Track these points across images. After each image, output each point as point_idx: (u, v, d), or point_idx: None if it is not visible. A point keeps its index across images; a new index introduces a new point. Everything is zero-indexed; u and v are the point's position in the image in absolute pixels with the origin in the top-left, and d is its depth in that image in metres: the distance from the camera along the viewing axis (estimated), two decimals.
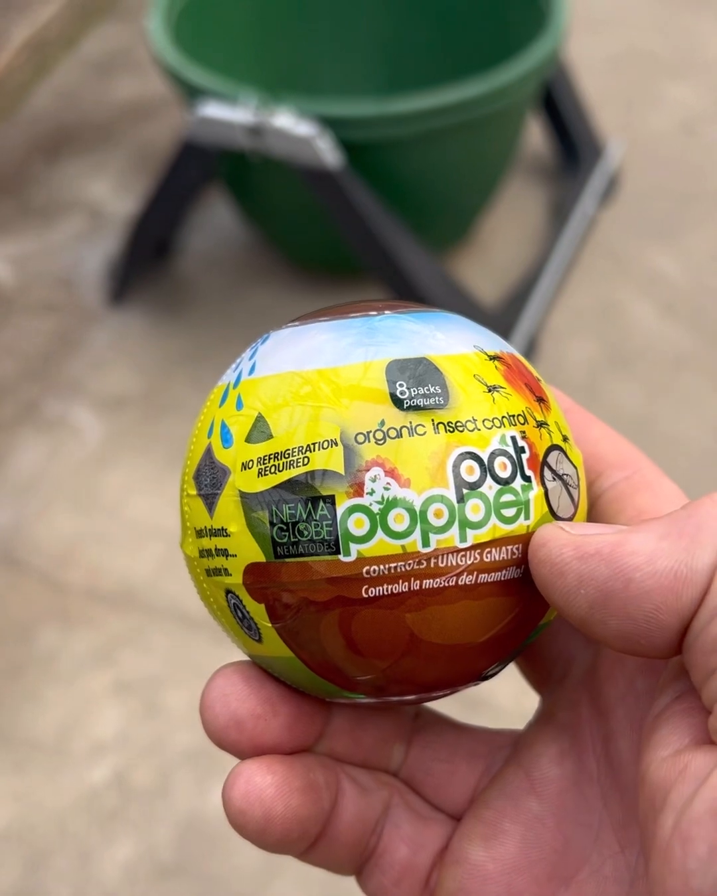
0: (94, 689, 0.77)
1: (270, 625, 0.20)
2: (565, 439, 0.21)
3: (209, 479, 0.21)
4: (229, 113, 0.87)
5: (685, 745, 0.18)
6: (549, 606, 0.21)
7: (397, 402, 0.20)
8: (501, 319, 0.97)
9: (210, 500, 0.21)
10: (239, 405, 0.21)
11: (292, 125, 0.85)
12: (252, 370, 0.21)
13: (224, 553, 0.20)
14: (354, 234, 0.91)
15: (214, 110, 0.88)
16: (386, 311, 0.21)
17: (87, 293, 1.07)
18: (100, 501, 0.89)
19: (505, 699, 0.73)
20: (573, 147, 1.13)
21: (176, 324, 1.04)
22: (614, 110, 1.24)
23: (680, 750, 0.18)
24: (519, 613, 0.20)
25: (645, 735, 0.19)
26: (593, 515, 0.23)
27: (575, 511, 0.21)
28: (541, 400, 0.21)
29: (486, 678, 0.22)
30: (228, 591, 0.21)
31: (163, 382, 0.98)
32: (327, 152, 0.86)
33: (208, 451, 0.21)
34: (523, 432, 0.20)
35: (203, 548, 0.21)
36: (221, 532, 0.20)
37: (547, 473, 0.20)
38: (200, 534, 0.21)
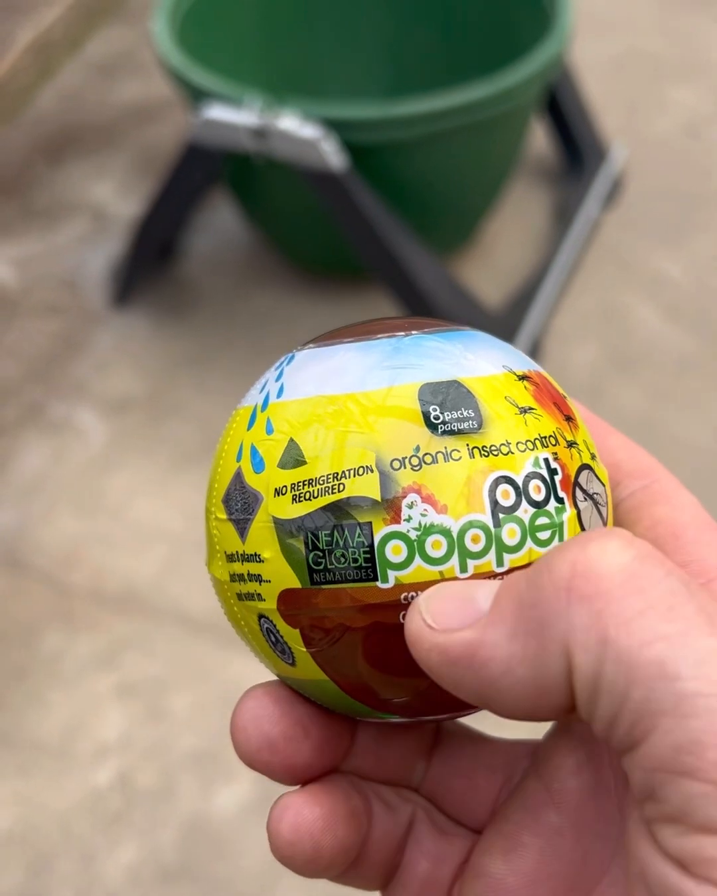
0: (97, 691, 0.77)
1: (304, 650, 0.20)
2: (593, 457, 0.21)
3: (240, 503, 0.21)
4: (234, 115, 0.87)
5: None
6: None
7: (432, 426, 0.19)
8: (505, 322, 0.97)
9: (242, 526, 0.21)
10: (269, 429, 0.21)
11: (297, 128, 0.85)
12: (281, 392, 0.21)
13: (257, 579, 0.20)
14: (358, 237, 0.91)
15: (218, 112, 0.88)
16: (413, 332, 0.21)
17: (91, 295, 1.07)
18: (104, 504, 0.89)
19: None
20: (577, 150, 1.13)
21: (180, 326, 1.04)
22: (617, 113, 1.24)
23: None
24: None
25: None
26: (612, 525, 0.23)
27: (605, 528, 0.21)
28: (569, 419, 0.21)
29: None
30: (261, 616, 0.21)
31: (167, 385, 0.98)
32: (332, 155, 0.86)
33: (238, 476, 0.21)
34: (555, 454, 0.20)
35: (234, 572, 0.21)
36: (255, 558, 0.20)
37: (579, 494, 0.21)
38: (230, 558, 0.21)
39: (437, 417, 0.20)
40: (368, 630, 0.19)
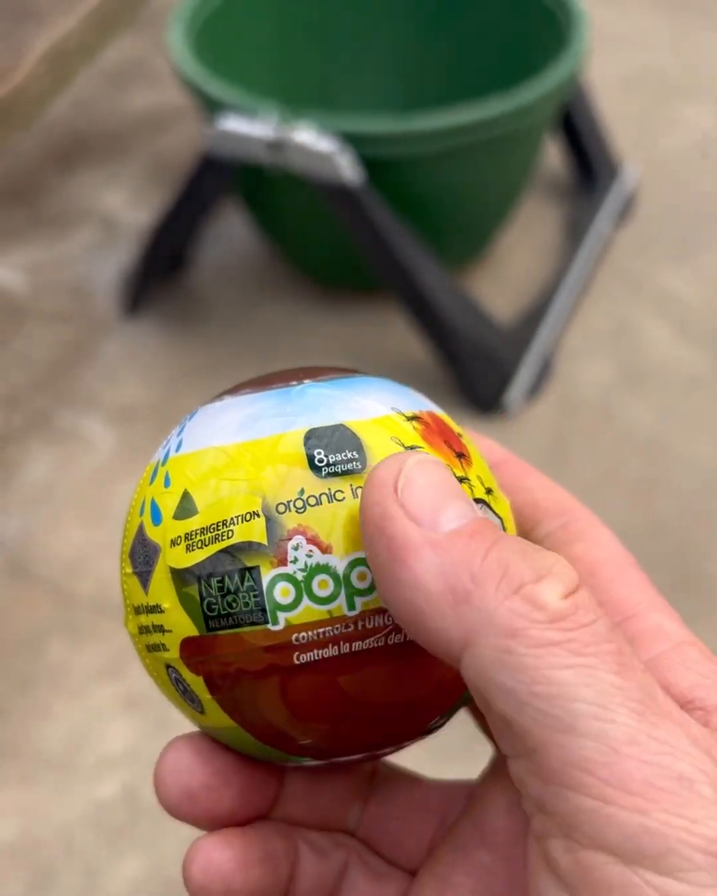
0: (103, 702, 0.77)
1: (210, 697, 0.21)
2: (488, 492, 0.22)
3: (142, 556, 0.21)
4: (250, 127, 0.87)
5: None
6: None
7: (316, 469, 0.20)
8: (515, 337, 0.97)
9: (144, 578, 0.21)
10: (167, 482, 0.21)
11: (314, 141, 0.85)
12: (179, 447, 0.22)
13: (160, 629, 0.21)
14: (371, 250, 0.91)
15: (234, 124, 0.88)
16: (306, 381, 0.22)
17: (100, 304, 1.07)
18: (110, 513, 0.89)
19: None
20: (590, 167, 1.14)
21: (189, 336, 1.04)
22: (630, 131, 1.24)
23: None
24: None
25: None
26: None
27: None
28: (461, 455, 0.22)
29: (431, 731, 0.22)
30: (167, 666, 0.21)
31: (175, 395, 0.98)
32: (348, 169, 0.86)
33: (140, 529, 0.22)
34: None
35: (141, 625, 0.22)
36: (157, 608, 0.21)
37: None
38: (137, 611, 0.22)
39: (321, 460, 0.20)
40: (265, 672, 0.20)
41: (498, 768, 0.23)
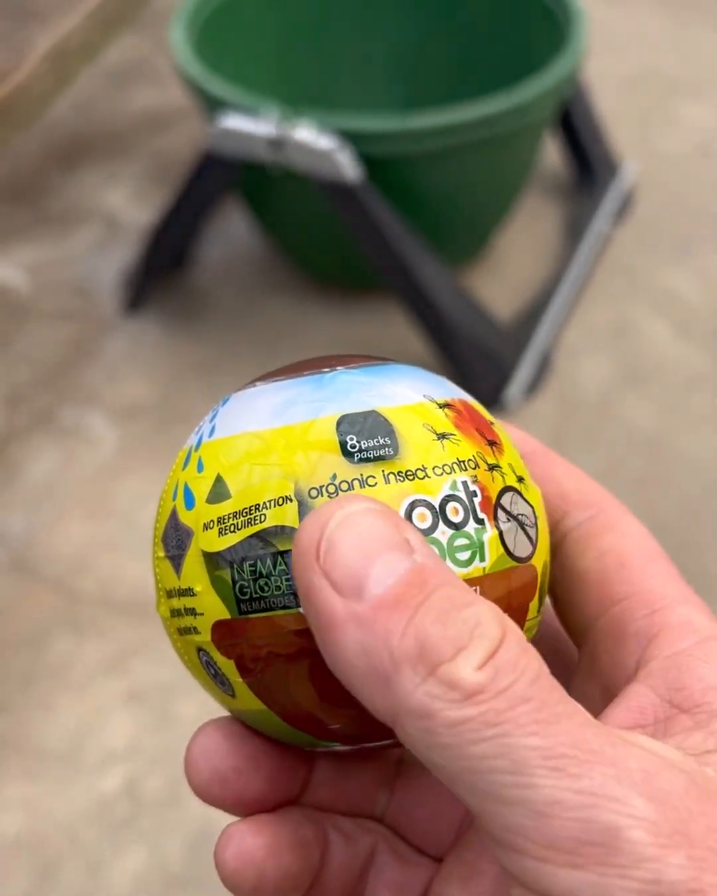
0: (106, 697, 0.77)
1: (241, 680, 0.21)
2: (520, 480, 0.22)
3: (175, 540, 0.21)
4: (251, 125, 0.88)
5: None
6: None
7: (348, 455, 0.20)
8: (515, 335, 0.97)
9: (177, 562, 0.21)
10: (200, 467, 0.21)
11: (313, 139, 0.86)
12: (212, 432, 0.22)
13: (192, 612, 0.21)
14: (371, 248, 0.91)
15: (235, 122, 0.88)
16: (338, 367, 0.22)
17: (103, 302, 1.08)
18: (113, 510, 0.89)
19: None
20: (589, 165, 1.14)
21: (190, 334, 1.04)
22: (629, 130, 1.25)
23: None
24: None
25: None
26: (560, 555, 0.24)
27: (533, 549, 0.22)
28: (493, 443, 0.22)
29: None
30: (199, 649, 0.21)
31: (177, 392, 0.99)
32: (348, 166, 0.86)
33: (173, 514, 0.22)
34: (475, 476, 0.21)
35: (173, 608, 0.22)
36: (189, 592, 0.21)
37: (501, 515, 0.21)
38: (169, 594, 0.22)
39: (353, 446, 0.20)
40: (296, 656, 0.20)
41: None
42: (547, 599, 0.23)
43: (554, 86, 0.91)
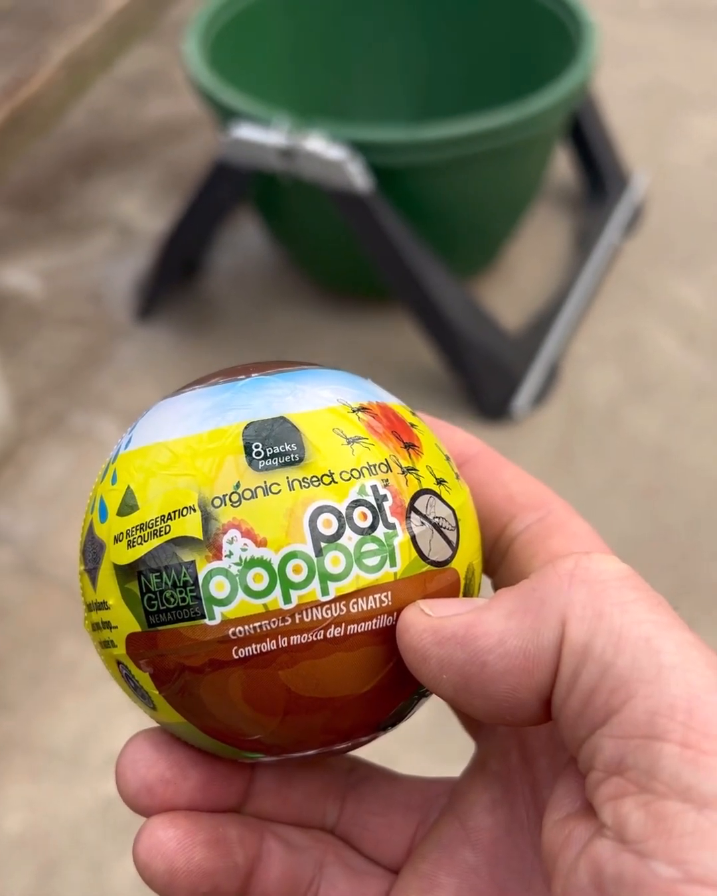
0: (112, 700, 0.78)
1: (157, 692, 0.21)
2: (440, 483, 0.21)
3: (91, 553, 0.21)
4: (262, 135, 0.89)
5: (575, 809, 0.18)
6: None
7: (253, 462, 0.20)
8: (524, 345, 0.98)
9: (93, 575, 0.21)
10: (114, 480, 0.21)
11: (324, 149, 0.87)
12: (128, 444, 0.22)
13: (108, 625, 0.21)
14: (381, 258, 0.92)
15: (247, 132, 0.89)
16: (253, 374, 0.22)
17: (115, 309, 1.09)
18: None
19: None
20: (599, 177, 1.14)
21: (202, 341, 1.05)
22: (640, 141, 1.25)
23: (570, 814, 0.18)
24: (401, 660, 0.20)
25: (548, 793, 0.20)
26: (509, 559, 0.23)
27: (453, 552, 0.21)
28: (410, 446, 0.21)
29: (385, 728, 0.22)
30: (118, 663, 0.21)
31: None
32: (358, 176, 0.87)
33: (90, 527, 0.22)
34: (386, 480, 0.20)
35: (93, 622, 0.22)
36: (103, 605, 0.21)
37: (415, 519, 0.20)
38: (89, 608, 0.22)
39: (258, 453, 0.20)
40: (206, 668, 0.20)
41: (480, 765, 0.23)
42: None
43: (565, 98, 0.92)
